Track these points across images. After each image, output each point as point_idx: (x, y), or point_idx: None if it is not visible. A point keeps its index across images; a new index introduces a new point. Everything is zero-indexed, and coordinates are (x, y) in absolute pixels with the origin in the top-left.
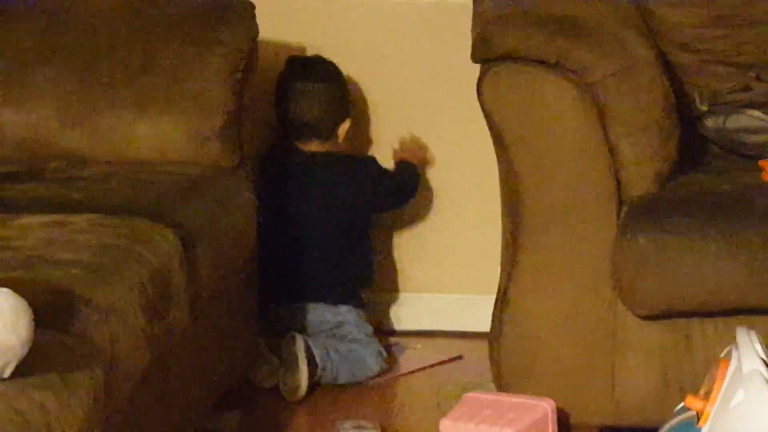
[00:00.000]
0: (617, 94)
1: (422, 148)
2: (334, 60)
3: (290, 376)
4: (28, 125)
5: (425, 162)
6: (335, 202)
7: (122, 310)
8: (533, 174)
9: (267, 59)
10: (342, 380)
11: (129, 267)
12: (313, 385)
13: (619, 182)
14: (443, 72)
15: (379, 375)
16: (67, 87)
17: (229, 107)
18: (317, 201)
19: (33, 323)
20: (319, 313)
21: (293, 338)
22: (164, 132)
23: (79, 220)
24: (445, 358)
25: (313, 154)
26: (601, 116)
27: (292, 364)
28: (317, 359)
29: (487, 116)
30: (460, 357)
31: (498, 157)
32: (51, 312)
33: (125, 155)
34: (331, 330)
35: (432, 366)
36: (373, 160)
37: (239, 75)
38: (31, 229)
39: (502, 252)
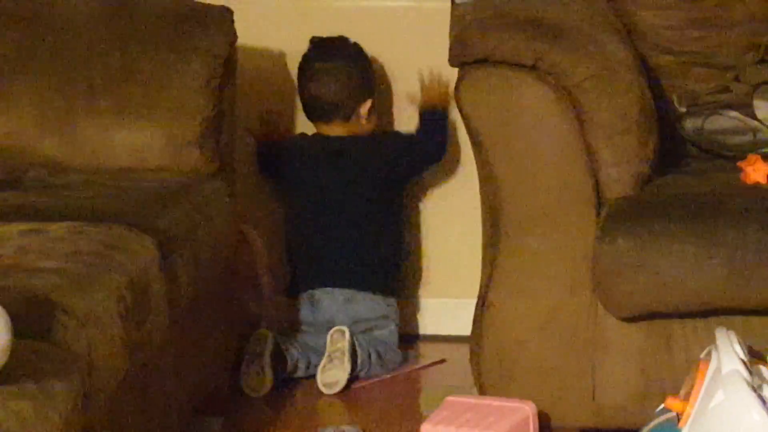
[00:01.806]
0: (595, 96)
1: (443, 84)
2: None
3: (330, 370)
4: (6, 133)
5: (450, 99)
6: (368, 182)
7: (100, 317)
8: (512, 177)
9: (246, 65)
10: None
11: (107, 274)
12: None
13: (597, 184)
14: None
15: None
16: (46, 95)
17: (208, 113)
18: (349, 184)
19: (11, 332)
20: (367, 305)
21: (342, 333)
22: (143, 139)
23: (57, 227)
24: (428, 362)
25: (338, 138)
26: (579, 119)
27: (335, 360)
28: (358, 361)
29: (465, 120)
30: (442, 361)
31: (477, 160)
32: (28, 320)
33: (104, 162)
34: (373, 322)
35: (415, 370)
36: (395, 132)
37: (218, 81)
38: (9, 238)
39: (482, 255)
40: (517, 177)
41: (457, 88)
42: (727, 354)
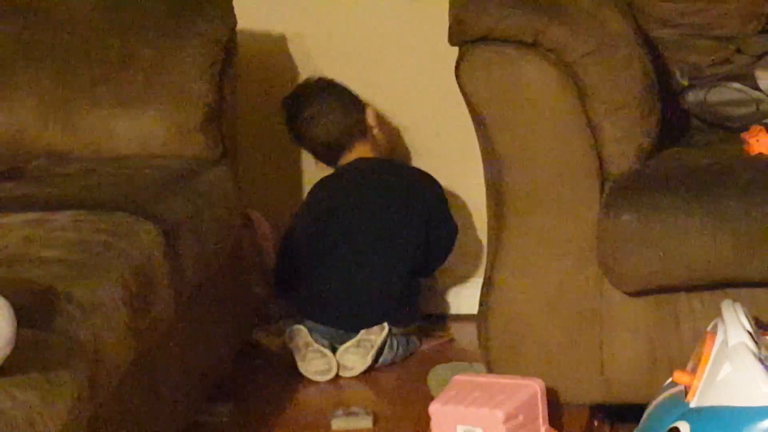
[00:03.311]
0: (596, 72)
1: None
2: (313, 48)
3: (353, 355)
4: (8, 125)
5: None
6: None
7: (105, 305)
8: (514, 155)
9: (247, 50)
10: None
11: (111, 262)
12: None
13: (601, 160)
14: (424, 56)
15: None
16: (46, 85)
17: (210, 99)
18: (386, 207)
19: (15, 322)
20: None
21: (381, 328)
22: (145, 126)
23: (60, 217)
24: (437, 341)
25: (365, 160)
26: (581, 95)
27: (362, 348)
28: (381, 359)
29: (467, 99)
30: (452, 340)
31: (479, 138)
32: (33, 310)
33: (106, 151)
34: None
35: (423, 350)
36: (441, 200)
37: (218, 67)
38: (12, 228)
39: (488, 234)
40: (519, 154)
41: (457, 67)
42: (734, 326)
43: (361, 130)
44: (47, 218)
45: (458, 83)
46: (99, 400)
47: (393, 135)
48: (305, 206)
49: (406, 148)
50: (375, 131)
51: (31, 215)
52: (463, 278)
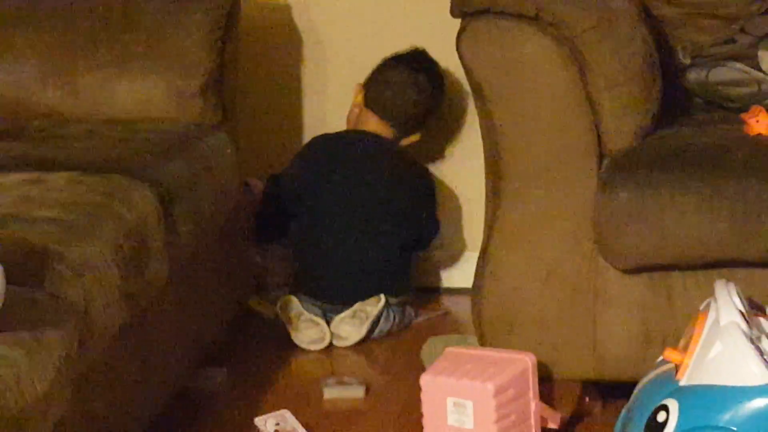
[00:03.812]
0: (596, 47)
1: None
2: (316, 15)
3: (347, 325)
4: (9, 85)
5: None
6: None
7: (97, 266)
8: (513, 129)
9: (250, 17)
10: None
11: (105, 224)
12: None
13: (599, 136)
14: (429, 27)
15: None
16: (48, 46)
17: (211, 64)
18: (384, 183)
19: (4, 280)
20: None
21: (378, 299)
22: (145, 90)
23: (57, 178)
24: (432, 314)
25: (376, 137)
26: (581, 70)
27: (357, 318)
28: (376, 330)
29: (467, 72)
30: (446, 313)
31: (479, 112)
32: (23, 269)
33: (107, 114)
34: None
35: (419, 322)
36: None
37: (221, 33)
38: (9, 188)
39: (485, 208)
40: (518, 129)
41: (458, 39)
42: (726, 306)
43: (406, 129)
44: (43, 178)
45: (459, 55)
46: (88, 362)
47: None
48: (301, 161)
49: None
50: (403, 142)
51: (27, 175)
52: (458, 252)
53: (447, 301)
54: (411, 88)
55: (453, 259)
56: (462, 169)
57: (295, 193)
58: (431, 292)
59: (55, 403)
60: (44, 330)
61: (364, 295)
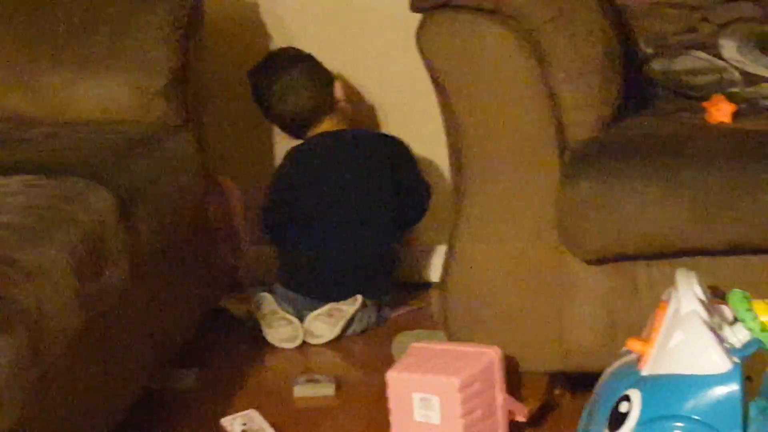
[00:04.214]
0: (555, 39)
1: None
2: (284, 12)
3: (321, 323)
4: None
5: None
6: (377, 180)
7: (50, 270)
8: (475, 122)
9: (217, 15)
10: None
11: (59, 227)
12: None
13: (561, 127)
14: (395, 23)
15: None
16: (9, 48)
17: (174, 64)
18: (365, 177)
19: None
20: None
21: (354, 300)
22: (107, 91)
23: (12, 182)
24: (406, 309)
25: (333, 134)
26: (541, 62)
27: (332, 318)
28: (350, 330)
29: (428, 66)
30: (421, 308)
31: (441, 106)
32: None
33: (70, 115)
34: None
35: (394, 317)
36: (412, 162)
37: (183, 31)
38: None
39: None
40: (480, 122)
41: (418, 33)
42: (687, 295)
43: (330, 104)
44: (0, 183)
45: (419, 49)
46: (43, 366)
47: (354, 105)
48: (283, 176)
49: (377, 114)
50: (342, 104)
51: None
52: (435, 246)
53: (424, 296)
54: (284, 97)
55: (430, 253)
56: (440, 161)
57: (286, 212)
58: (410, 286)
59: (5, 409)
60: None
61: (343, 295)
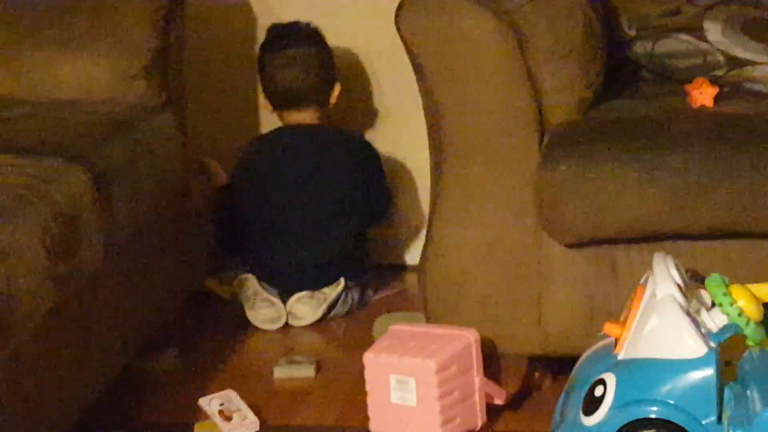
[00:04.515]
0: (535, 20)
1: None
2: None
3: (304, 305)
4: None
5: None
6: (341, 178)
7: (21, 250)
8: (453, 104)
9: None
10: None
11: (32, 207)
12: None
13: (541, 110)
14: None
15: None
16: None
17: (154, 44)
18: (329, 174)
19: None
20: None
21: (338, 283)
22: (89, 71)
23: None
24: (389, 291)
25: (319, 127)
26: (521, 44)
27: (314, 299)
28: (332, 312)
29: (407, 48)
30: (404, 290)
31: (420, 89)
32: None
33: (51, 95)
34: None
35: (376, 299)
36: (375, 153)
37: (164, 11)
38: None
39: (430, 185)
40: (458, 104)
41: (397, 15)
42: (663, 279)
43: (322, 99)
44: None
45: (398, 31)
46: (13, 344)
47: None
48: (243, 169)
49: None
50: (331, 105)
51: None
52: (417, 229)
53: (406, 279)
54: (286, 69)
55: (412, 236)
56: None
57: (249, 212)
58: (393, 269)
59: None
60: None
61: (323, 283)
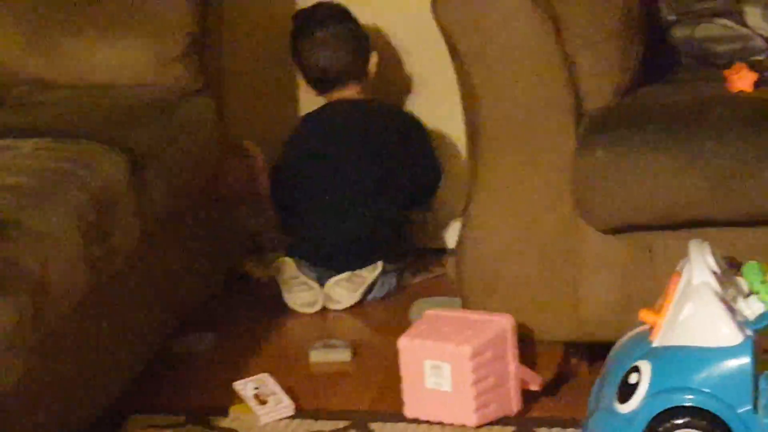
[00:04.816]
0: (573, 4)
1: None
2: None
3: (342, 289)
4: None
5: None
6: (385, 153)
7: (56, 233)
8: (490, 89)
9: None
10: None
11: (67, 190)
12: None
13: (577, 95)
14: None
15: None
16: (29, 13)
17: (192, 28)
18: (370, 149)
19: None
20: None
21: (374, 266)
22: (127, 55)
23: (25, 145)
24: (429, 275)
25: (351, 103)
26: (557, 28)
27: (352, 283)
28: (370, 296)
29: (443, 32)
30: (443, 274)
31: (456, 74)
32: None
33: (89, 79)
34: None
35: (416, 283)
36: (421, 129)
37: None
38: None
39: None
40: (495, 89)
41: (433, 1)
42: (699, 266)
43: (360, 73)
44: (13, 146)
45: (434, 16)
46: (48, 327)
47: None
48: (294, 141)
49: (399, 87)
50: (371, 76)
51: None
52: (458, 212)
53: (447, 263)
54: (319, 52)
55: (454, 219)
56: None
57: (295, 179)
58: (432, 253)
59: (3, 370)
60: None
61: (362, 263)
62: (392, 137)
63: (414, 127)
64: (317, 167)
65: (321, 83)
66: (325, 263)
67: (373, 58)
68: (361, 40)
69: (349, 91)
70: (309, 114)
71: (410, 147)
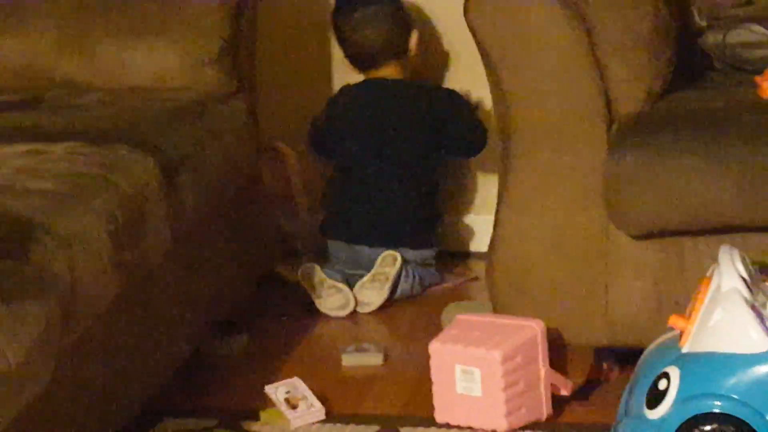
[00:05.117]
0: (603, 11)
1: None
2: None
3: (368, 290)
4: (26, 54)
5: None
6: (420, 132)
7: (86, 237)
8: (522, 94)
9: None
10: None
11: (98, 195)
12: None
13: (609, 101)
14: None
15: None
16: (64, 15)
17: (226, 32)
18: (408, 129)
19: None
20: (407, 256)
21: (394, 259)
22: (159, 58)
23: (57, 148)
24: (461, 279)
25: (390, 82)
26: (589, 34)
27: (377, 282)
28: (398, 290)
29: (475, 36)
30: (475, 278)
31: (488, 77)
32: (8, 241)
33: (122, 82)
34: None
35: (448, 288)
36: (458, 97)
37: None
38: (8, 158)
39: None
40: (526, 94)
41: (465, 5)
42: (728, 272)
43: (402, 50)
44: (44, 149)
45: (466, 20)
46: (77, 331)
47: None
48: (327, 116)
49: (441, 70)
50: (412, 54)
51: (30, 146)
52: (489, 216)
53: (478, 266)
54: (359, 31)
55: (485, 222)
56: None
57: (333, 147)
58: (463, 256)
59: (32, 375)
60: (22, 302)
61: (390, 242)
62: (423, 118)
63: (453, 100)
64: (349, 140)
65: (361, 61)
66: (355, 238)
67: (414, 36)
68: (402, 17)
69: (390, 70)
70: (347, 86)
71: (450, 123)
